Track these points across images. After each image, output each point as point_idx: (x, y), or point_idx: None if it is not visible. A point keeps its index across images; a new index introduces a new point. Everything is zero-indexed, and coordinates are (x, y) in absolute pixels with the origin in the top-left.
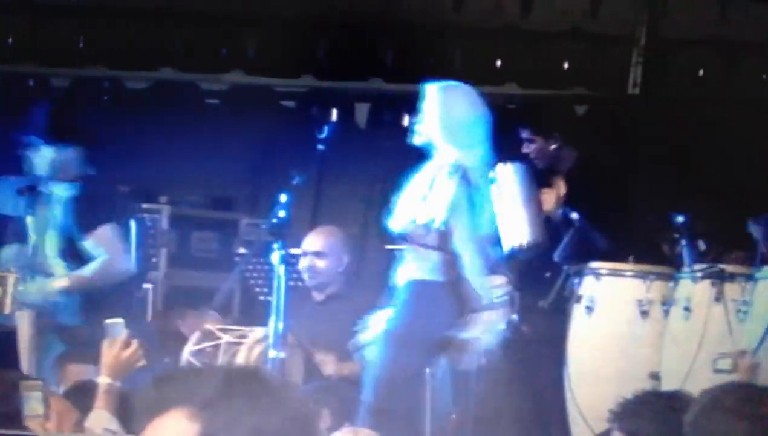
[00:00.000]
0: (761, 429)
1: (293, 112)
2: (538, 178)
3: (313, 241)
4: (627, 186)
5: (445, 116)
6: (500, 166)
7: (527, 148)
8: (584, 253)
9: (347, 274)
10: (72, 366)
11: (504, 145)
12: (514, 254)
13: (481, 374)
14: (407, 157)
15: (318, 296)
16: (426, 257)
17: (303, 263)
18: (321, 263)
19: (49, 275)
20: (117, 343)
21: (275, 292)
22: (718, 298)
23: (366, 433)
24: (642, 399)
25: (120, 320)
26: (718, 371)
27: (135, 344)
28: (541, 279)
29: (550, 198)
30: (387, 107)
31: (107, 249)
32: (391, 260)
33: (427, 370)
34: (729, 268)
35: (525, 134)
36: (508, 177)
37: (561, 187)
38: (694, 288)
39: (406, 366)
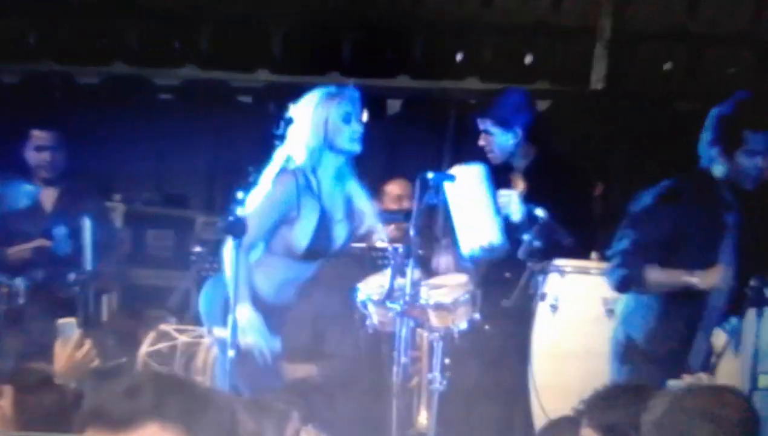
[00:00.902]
0: (725, 430)
1: (249, 107)
2: (497, 177)
3: None
4: (590, 182)
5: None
6: (458, 167)
7: (484, 141)
8: (548, 250)
9: None
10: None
11: (462, 142)
12: (474, 254)
13: (444, 372)
14: (366, 152)
15: None
16: None
17: None
18: None
19: None
20: (70, 343)
21: (233, 291)
22: None
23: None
24: (611, 392)
25: (72, 320)
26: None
27: (88, 343)
28: (505, 278)
29: (510, 197)
30: None
31: None
32: (351, 258)
33: (395, 368)
34: None
35: (483, 126)
36: (467, 177)
37: (520, 185)
38: None
39: None
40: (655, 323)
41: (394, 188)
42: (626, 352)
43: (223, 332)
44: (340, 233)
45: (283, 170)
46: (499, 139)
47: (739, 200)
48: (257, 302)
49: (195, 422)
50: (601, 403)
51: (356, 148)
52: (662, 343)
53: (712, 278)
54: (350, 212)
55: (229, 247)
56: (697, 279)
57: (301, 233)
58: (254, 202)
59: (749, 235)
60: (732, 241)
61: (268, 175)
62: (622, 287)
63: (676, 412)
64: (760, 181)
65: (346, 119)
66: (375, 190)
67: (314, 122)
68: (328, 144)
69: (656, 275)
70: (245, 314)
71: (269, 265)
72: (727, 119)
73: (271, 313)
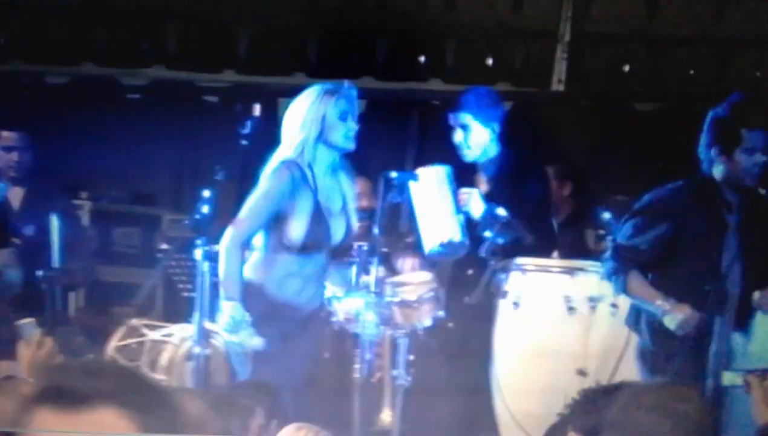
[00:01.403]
0: (684, 427)
1: (216, 107)
2: (461, 176)
3: None
4: (551, 182)
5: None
6: (422, 167)
7: (460, 137)
8: (510, 249)
9: None
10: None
11: (426, 142)
12: (435, 252)
13: (409, 369)
14: None
15: None
16: None
17: None
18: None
19: None
20: (31, 343)
21: (199, 288)
22: None
23: (313, 430)
24: (590, 396)
25: (31, 320)
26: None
27: (49, 342)
28: (468, 275)
29: (471, 194)
30: None
31: None
32: None
33: (359, 365)
34: None
35: (460, 121)
36: (430, 177)
37: (483, 184)
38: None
39: None
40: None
41: (361, 186)
42: (649, 359)
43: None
44: (337, 226)
45: (279, 164)
46: (477, 135)
47: (741, 200)
48: (261, 299)
49: (149, 415)
50: (584, 406)
51: (350, 145)
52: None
53: (680, 313)
54: (346, 207)
55: (225, 241)
56: (667, 307)
57: (297, 226)
58: (251, 198)
59: (753, 235)
60: (735, 242)
61: (266, 170)
62: (608, 278)
63: (634, 408)
64: (761, 178)
65: (343, 117)
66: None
67: (311, 117)
68: (323, 139)
69: (635, 285)
70: (232, 311)
71: (270, 260)
72: (723, 120)
73: (275, 310)
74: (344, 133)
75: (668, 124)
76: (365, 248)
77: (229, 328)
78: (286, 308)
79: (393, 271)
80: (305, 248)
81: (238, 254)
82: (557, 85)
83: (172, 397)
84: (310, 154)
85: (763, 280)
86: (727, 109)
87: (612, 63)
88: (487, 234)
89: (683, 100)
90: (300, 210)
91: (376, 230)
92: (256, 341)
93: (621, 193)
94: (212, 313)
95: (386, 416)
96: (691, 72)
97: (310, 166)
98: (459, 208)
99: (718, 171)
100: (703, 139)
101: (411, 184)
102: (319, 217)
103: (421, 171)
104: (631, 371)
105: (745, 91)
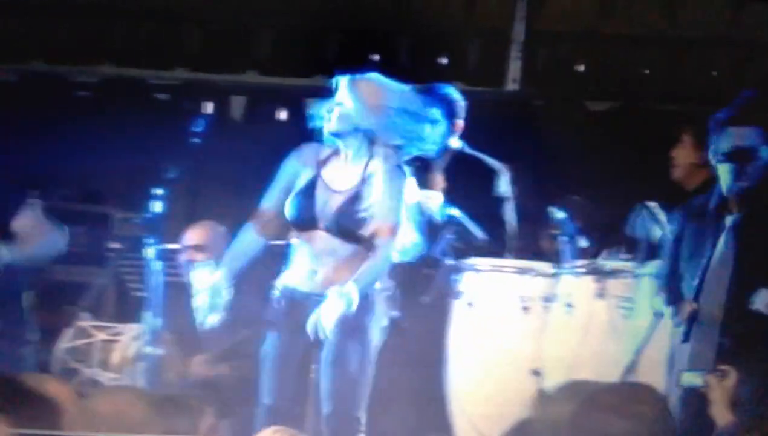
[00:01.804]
0: (641, 428)
1: (166, 104)
2: (416, 175)
3: (193, 235)
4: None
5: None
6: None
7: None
8: (464, 249)
9: None
10: None
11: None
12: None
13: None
14: (283, 150)
15: None
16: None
17: (182, 258)
18: (201, 258)
19: None
20: None
21: (150, 288)
22: (601, 294)
23: (288, 432)
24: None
25: None
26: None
27: None
28: (423, 275)
29: (430, 196)
30: (263, 100)
31: None
32: (269, 254)
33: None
34: (611, 264)
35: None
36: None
37: (439, 183)
38: (575, 284)
39: None
40: None
41: None
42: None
43: None
44: (334, 203)
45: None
46: (440, 130)
47: (741, 201)
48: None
49: (19, 413)
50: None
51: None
52: None
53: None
54: (361, 191)
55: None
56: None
57: (290, 203)
58: None
59: (751, 235)
60: (732, 243)
61: None
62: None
63: (591, 409)
64: (760, 177)
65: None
66: None
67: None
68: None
69: None
70: (216, 276)
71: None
72: (722, 122)
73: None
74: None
75: (622, 123)
76: None
77: (206, 291)
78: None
79: None
80: (299, 226)
81: (246, 233)
82: (511, 85)
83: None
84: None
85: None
86: (725, 112)
87: (566, 62)
88: (441, 235)
89: (637, 99)
90: (298, 184)
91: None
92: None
93: (575, 193)
94: (164, 313)
95: None
96: (646, 71)
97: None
98: (418, 208)
99: (721, 171)
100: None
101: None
102: (310, 190)
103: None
104: (585, 372)
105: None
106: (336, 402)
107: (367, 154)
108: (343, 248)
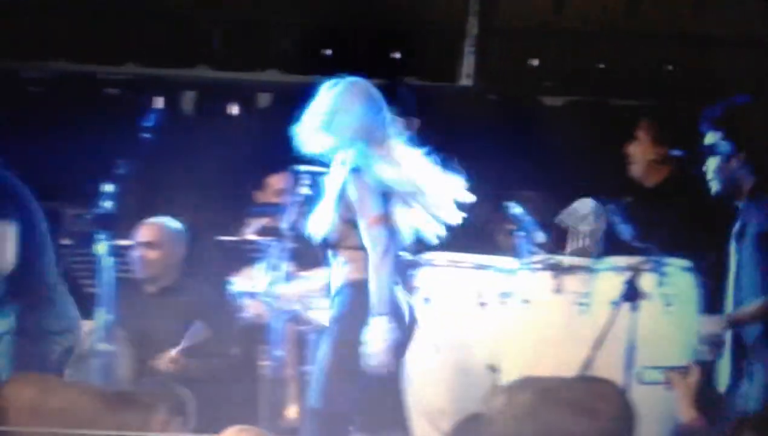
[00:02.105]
0: (600, 424)
1: (117, 99)
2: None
3: (144, 232)
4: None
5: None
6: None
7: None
8: (420, 244)
9: (180, 266)
10: None
11: None
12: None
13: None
14: (235, 145)
15: (150, 289)
16: (355, 258)
17: (134, 255)
18: (153, 255)
19: None
20: None
21: (102, 284)
22: (558, 290)
23: (254, 432)
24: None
25: None
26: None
27: None
28: None
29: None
30: (214, 95)
31: None
32: (224, 251)
33: (268, 361)
34: (568, 260)
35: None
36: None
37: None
38: (532, 280)
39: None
40: None
41: (275, 182)
42: None
43: None
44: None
45: None
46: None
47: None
48: None
49: None
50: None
51: None
52: None
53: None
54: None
55: None
56: None
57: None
58: None
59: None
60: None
61: None
62: None
63: (549, 404)
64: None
65: None
66: (259, 182)
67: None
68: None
69: None
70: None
71: None
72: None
73: None
74: None
75: (576, 118)
76: (274, 243)
77: None
78: None
79: (303, 266)
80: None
81: None
82: (465, 80)
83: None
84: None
85: None
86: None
87: (520, 57)
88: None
89: (592, 94)
90: None
91: (284, 225)
92: None
93: (530, 189)
94: (116, 308)
95: (292, 412)
96: (601, 66)
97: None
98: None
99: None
100: None
101: (323, 178)
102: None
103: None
104: (542, 368)
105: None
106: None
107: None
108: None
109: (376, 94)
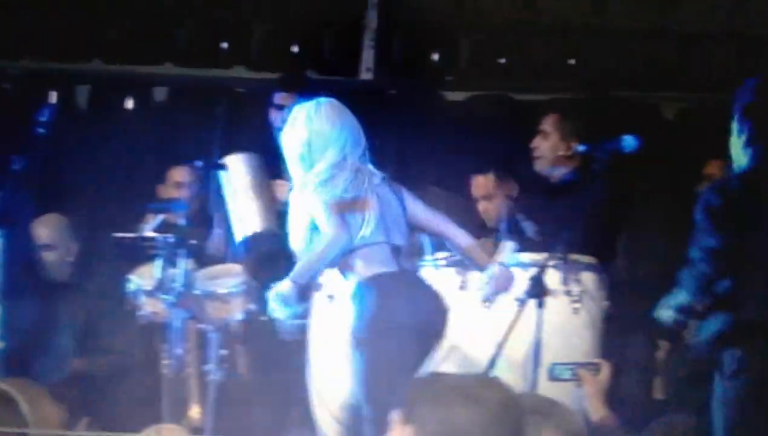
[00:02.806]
0: (486, 412)
1: (9, 94)
2: (269, 165)
3: (39, 232)
4: None
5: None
6: (229, 157)
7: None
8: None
9: (77, 263)
10: None
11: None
12: (247, 243)
13: (221, 364)
14: (134, 138)
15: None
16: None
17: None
18: (51, 257)
19: None
20: None
21: None
22: (463, 287)
23: (171, 430)
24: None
25: None
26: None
27: None
28: (281, 268)
29: (284, 188)
30: (109, 89)
31: None
32: (121, 248)
33: (167, 360)
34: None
35: (278, 100)
36: (238, 167)
37: None
38: (437, 277)
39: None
40: None
41: (175, 175)
42: None
43: None
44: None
45: None
46: None
47: None
48: None
49: None
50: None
51: None
52: None
53: None
54: None
55: None
56: None
57: None
58: None
59: None
60: None
61: None
62: None
63: (436, 395)
64: None
65: None
66: (161, 177)
67: None
68: None
69: None
70: None
71: None
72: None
73: None
74: None
75: (478, 113)
76: (171, 239)
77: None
78: None
79: (203, 263)
80: None
81: None
82: (365, 74)
83: None
84: None
85: None
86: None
87: (421, 51)
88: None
89: (495, 88)
90: None
91: (182, 221)
92: None
93: (433, 184)
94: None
95: (194, 412)
96: (503, 60)
97: None
98: (271, 198)
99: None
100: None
101: (220, 173)
102: None
103: (228, 159)
104: (449, 365)
105: None
106: None
107: None
108: None
109: (348, 112)
